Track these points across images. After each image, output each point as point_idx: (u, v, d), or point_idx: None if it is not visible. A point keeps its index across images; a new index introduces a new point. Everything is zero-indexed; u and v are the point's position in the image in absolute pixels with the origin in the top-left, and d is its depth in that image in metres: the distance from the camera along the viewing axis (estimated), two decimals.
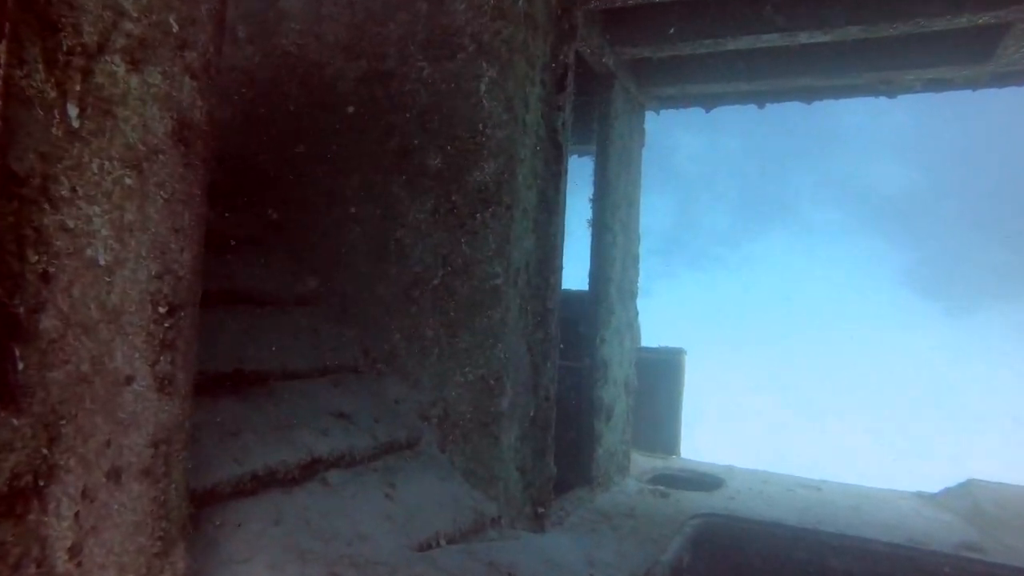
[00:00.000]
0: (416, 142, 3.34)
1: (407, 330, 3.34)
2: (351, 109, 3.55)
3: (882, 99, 4.65)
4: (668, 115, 5.60)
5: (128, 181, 1.41)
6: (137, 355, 1.46)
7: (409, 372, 3.32)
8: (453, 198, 3.24)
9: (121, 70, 1.39)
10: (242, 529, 2.00)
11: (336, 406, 2.90)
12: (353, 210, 3.52)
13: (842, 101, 4.90)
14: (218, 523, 1.98)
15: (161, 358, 1.51)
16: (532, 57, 3.36)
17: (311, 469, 2.44)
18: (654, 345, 6.32)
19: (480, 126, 3.19)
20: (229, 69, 3.96)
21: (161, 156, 1.48)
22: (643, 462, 5.62)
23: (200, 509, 1.99)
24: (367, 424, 2.91)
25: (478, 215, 3.20)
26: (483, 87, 3.20)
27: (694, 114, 5.62)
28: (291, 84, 3.75)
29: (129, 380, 1.44)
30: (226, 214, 3.60)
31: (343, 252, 3.53)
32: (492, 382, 3.21)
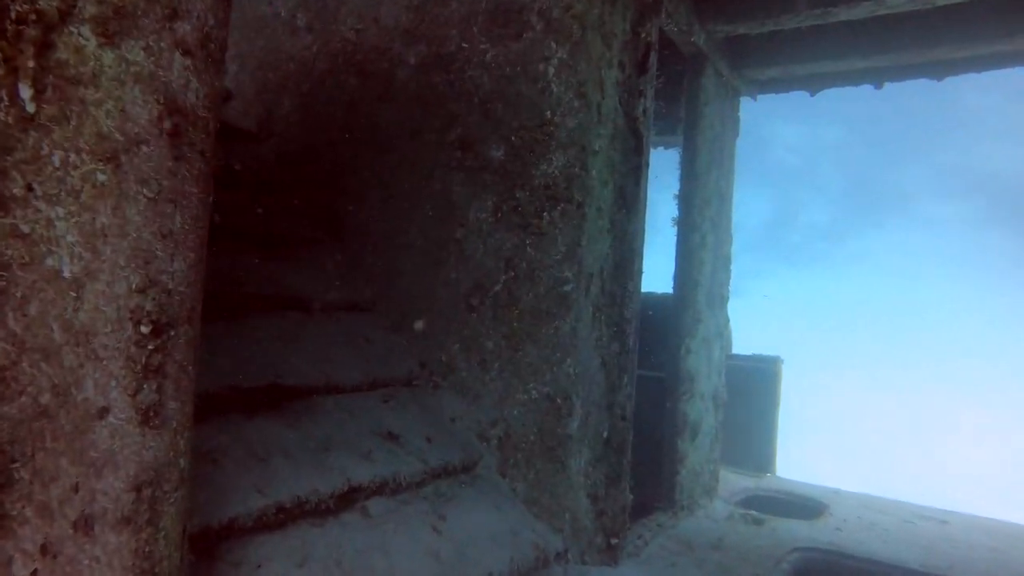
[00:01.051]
0: (478, 133, 3.07)
1: (466, 340, 3.07)
2: (409, 99, 3.33)
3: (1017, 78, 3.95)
4: (764, 102, 5.07)
5: (101, 177, 1.20)
6: (114, 383, 1.25)
7: (468, 387, 3.06)
8: (517, 195, 2.94)
9: (91, 44, 1.18)
10: (262, 571, 1.79)
11: (384, 424, 2.67)
12: (410, 208, 3.29)
13: (968, 82, 4.21)
14: (234, 562, 1.78)
15: (145, 386, 1.30)
16: (609, 35, 3.01)
17: (349, 498, 2.21)
18: (747, 352, 5.79)
19: (548, 114, 2.87)
20: (287, 60, 3.84)
21: (144, 148, 1.27)
22: (733, 480, 5.12)
23: (216, 545, 1.80)
24: (417, 445, 2.66)
25: (545, 214, 2.88)
26: (551, 70, 2.88)
27: (791, 101, 5.06)
28: (348, 74, 3.58)
29: (103, 413, 1.24)
30: (282, 212, 3.46)
31: (400, 254, 3.32)
32: (559, 400, 2.89)
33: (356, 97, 3.54)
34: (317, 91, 3.72)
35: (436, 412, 2.97)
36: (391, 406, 2.82)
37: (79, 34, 1.16)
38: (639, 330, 3.35)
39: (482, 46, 3.08)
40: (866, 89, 4.54)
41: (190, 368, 1.43)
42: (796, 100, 4.94)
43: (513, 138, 2.95)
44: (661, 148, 5.11)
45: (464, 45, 3.14)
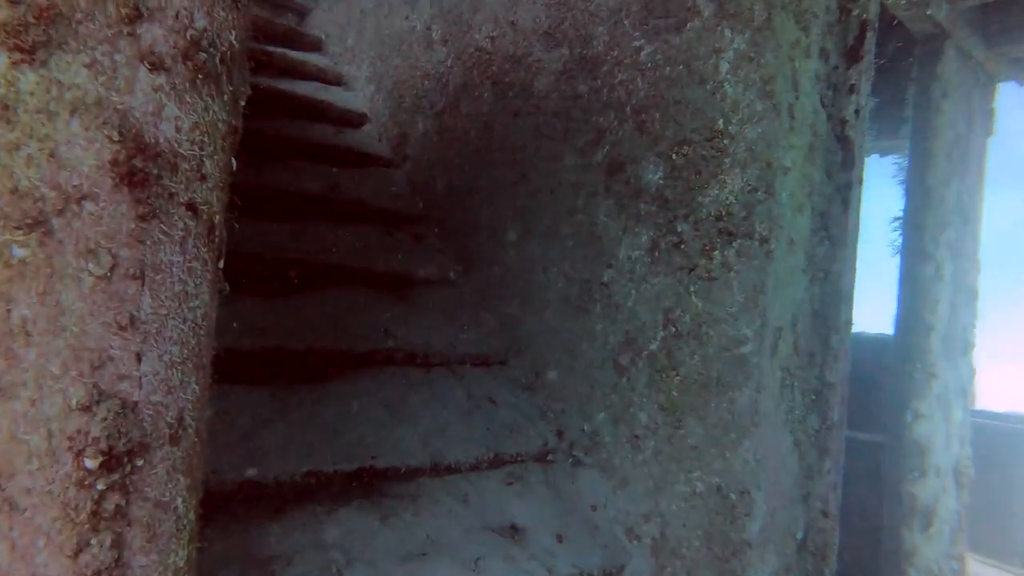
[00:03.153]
0: (630, 151, 2.53)
1: (614, 409, 2.54)
2: (549, 113, 2.88)
3: None
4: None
5: (19, 253, 0.87)
6: (42, 542, 0.91)
7: (615, 468, 2.52)
8: (679, 228, 2.36)
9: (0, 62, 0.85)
10: None
11: (506, 514, 2.23)
12: (549, 244, 2.84)
13: None
14: None
15: (92, 541, 0.95)
16: (805, 15, 2.32)
17: None
18: (999, 410, 4.58)
19: (720, 123, 2.26)
20: (422, 77, 3.58)
21: (89, 205, 0.92)
22: None
23: None
24: (544, 545, 2.18)
25: (716, 252, 2.27)
26: (724, 66, 2.27)
27: None
28: (483, 87, 3.22)
29: None
30: (410, 247, 3.19)
31: (537, 299, 2.88)
32: (734, 496, 2.25)
33: (491, 114, 3.17)
34: (451, 109, 3.41)
35: (573, 498, 2.47)
36: (516, 489, 2.38)
37: None
38: (848, 394, 2.60)
39: (635, 43, 2.54)
40: None
41: (179, 503, 1.08)
42: None
43: (674, 156, 2.37)
44: (875, 155, 4.17)
45: (613, 44, 2.62)
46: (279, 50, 3.85)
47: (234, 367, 2.20)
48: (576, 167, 2.75)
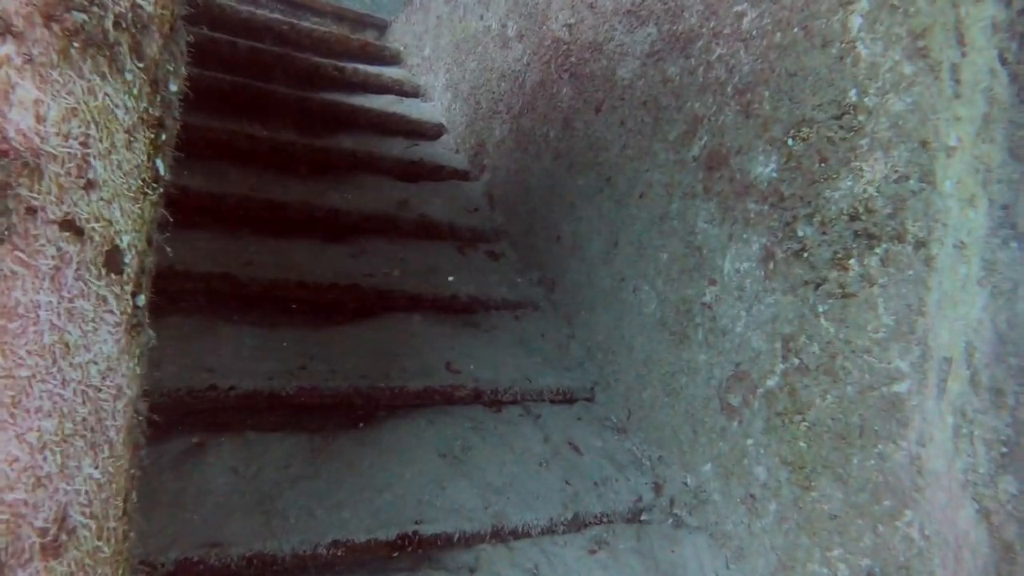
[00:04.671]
0: (733, 139, 2.06)
1: (723, 460, 2.05)
2: (635, 104, 2.46)
3: None
4: None
5: None
6: None
7: (727, 534, 2.02)
8: (801, 232, 1.86)
9: None
10: None
11: None
12: (640, 257, 2.40)
13: None
14: None
15: None
16: None
17: None
18: None
19: (852, 94, 1.74)
20: (499, 79, 3.27)
21: None
22: None
23: None
24: None
25: (852, 262, 1.75)
26: (856, 21, 1.76)
27: None
28: (561, 82, 2.84)
29: None
30: (486, 267, 2.85)
31: (627, 323, 2.44)
32: None
33: (570, 111, 2.79)
34: (528, 111, 3.06)
35: (673, 570, 2.00)
36: (601, 558, 1.94)
37: None
38: None
39: (736, 8, 2.07)
40: None
41: None
42: None
43: (790, 141, 1.88)
44: None
45: (709, 14, 2.17)
46: (351, 65, 3.69)
47: (267, 412, 1.94)
48: (668, 164, 2.31)
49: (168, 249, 2.00)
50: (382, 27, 4.81)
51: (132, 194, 0.87)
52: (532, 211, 2.99)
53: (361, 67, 3.74)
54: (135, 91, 0.85)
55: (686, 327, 2.20)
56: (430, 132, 3.62)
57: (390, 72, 3.94)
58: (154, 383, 1.70)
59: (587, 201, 2.68)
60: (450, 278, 2.70)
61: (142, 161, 0.88)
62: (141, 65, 0.85)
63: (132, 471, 0.94)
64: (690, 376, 2.18)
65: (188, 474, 1.64)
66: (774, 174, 1.92)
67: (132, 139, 0.86)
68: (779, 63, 1.91)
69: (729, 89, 2.08)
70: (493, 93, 3.34)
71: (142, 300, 0.91)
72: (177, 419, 1.76)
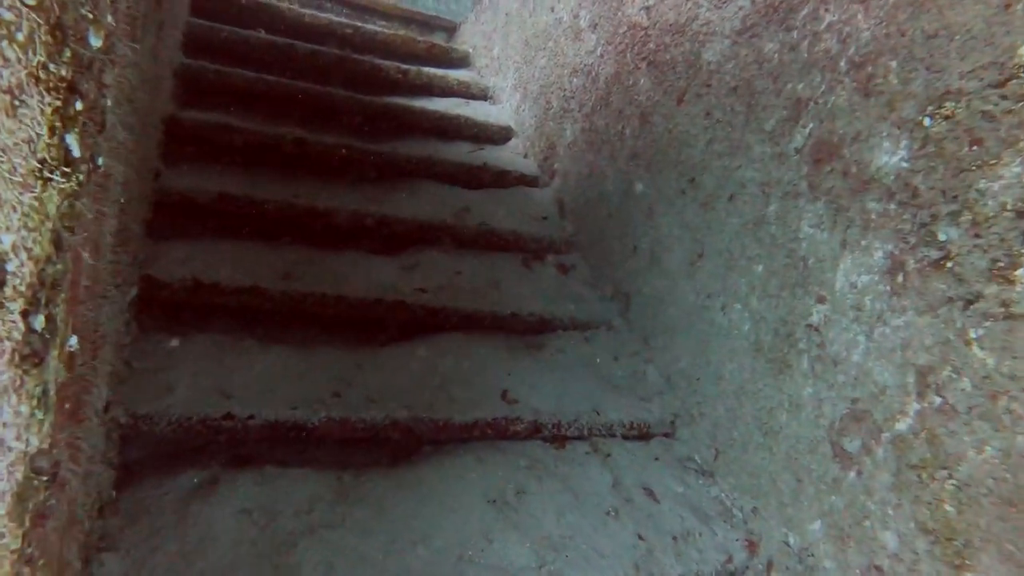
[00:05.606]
0: (846, 125, 1.68)
1: (837, 518, 1.66)
2: (724, 90, 2.11)
3: None
4: None
5: None
6: None
7: None
8: (942, 235, 1.46)
9: None
10: None
11: None
12: (730, 270, 2.04)
13: None
14: None
15: None
16: None
17: None
18: None
19: (1022, 51, 1.34)
20: (570, 74, 2.98)
21: None
22: None
23: None
24: None
25: (1020, 272, 1.33)
26: None
27: None
28: (638, 72, 2.53)
29: None
30: (555, 282, 2.56)
31: (714, 346, 2.08)
32: None
33: (649, 104, 2.46)
34: (602, 107, 2.76)
35: None
36: None
37: None
38: None
39: None
40: None
41: None
42: None
43: (927, 121, 1.49)
44: None
45: None
46: (415, 67, 3.50)
47: (291, 445, 1.72)
48: (764, 159, 1.94)
49: (196, 261, 1.82)
50: (451, 29, 4.65)
51: (19, 178, 0.64)
52: (606, 218, 2.68)
53: (426, 69, 3.55)
54: (19, 36, 0.62)
55: (787, 353, 1.82)
56: (497, 135, 3.37)
57: (456, 74, 3.74)
58: (163, 409, 1.51)
59: (668, 206, 2.35)
60: (512, 293, 2.42)
61: (36, 134, 0.65)
62: (30, 2, 0.63)
63: (33, 553, 0.71)
64: (792, 413, 1.79)
65: (194, 516, 1.43)
66: (904, 164, 1.53)
67: (16, 102, 0.63)
68: (912, 24, 1.52)
69: (842, 64, 1.70)
70: (564, 91, 3.06)
71: (40, 322, 0.67)
72: (189, 451, 1.56)
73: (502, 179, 3.03)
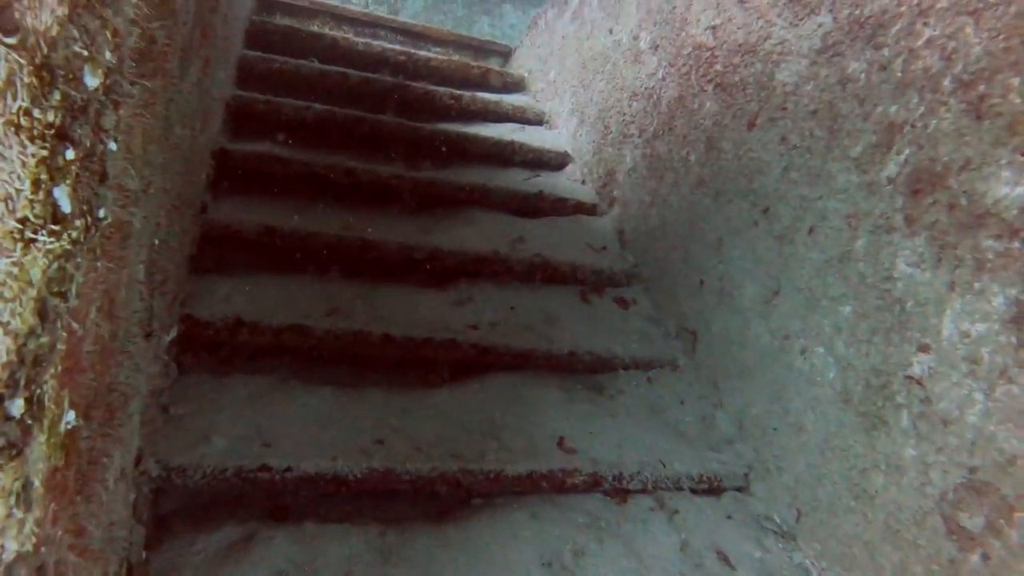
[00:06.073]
0: (951, 153, 1.49)
1: None
2: (801, 114, 1.93)
3: None
4: None
5: None
6: None
7: None
8: None
9: None
10: None
11: None
12: (809, 311, 1.85)
13: None
14: None
15: None
16: None
17: None
18: None
19: None
20: (630, 98, 2.85)
21: None
22: None
23: None
24: None
25: None
26: None
27: None
28: (703, 95, 2.37)
29: None
30: (614, 318, 2.41)
31: (794, 394, 1.88)
32: None
33: (716, 129, 2.30)
34: (664, 132, 2.61)
35: None
36: None
37: None
38: None
39: None
40: None
41: None
42: None
43: None
44: None
45: None
46: (468, 93, 3.42)
47: (332, 498, 1.60)
48: (850, 188, 1.76)
49: (239, 298, 1.73)
50: (506, 53, 4.58)
51: None
52: (669, 249, 2.51)
53: (480, 95, 3.47)
54: None
55: (882, 408, 1.61)
56: (553, 161, 3.25)
57: (511, 99, 3.65)
58: (198, 460, 1.42)
59: (738, 237, 2.17)
60: (569, 331, 2.28)
61: (16, 190, 0.55)
62: (10, 41, 0.53)
63: None
64: (891, 476, 1.58)
65: None
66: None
67: None
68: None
69: (946, 83, 1.51)
70: (624, 115, 2.92)
71: (18, 407, 0.57)
72: (224, 505, 1.47)
73: (559, 207, 2.90)
